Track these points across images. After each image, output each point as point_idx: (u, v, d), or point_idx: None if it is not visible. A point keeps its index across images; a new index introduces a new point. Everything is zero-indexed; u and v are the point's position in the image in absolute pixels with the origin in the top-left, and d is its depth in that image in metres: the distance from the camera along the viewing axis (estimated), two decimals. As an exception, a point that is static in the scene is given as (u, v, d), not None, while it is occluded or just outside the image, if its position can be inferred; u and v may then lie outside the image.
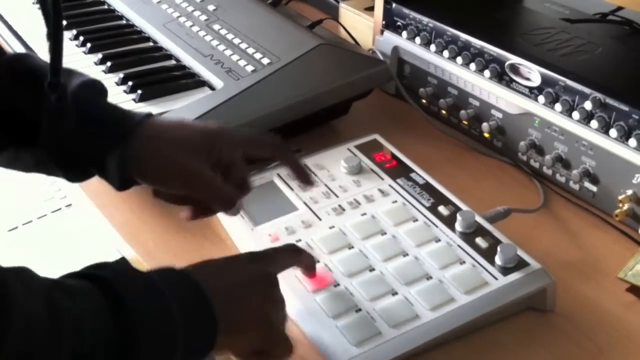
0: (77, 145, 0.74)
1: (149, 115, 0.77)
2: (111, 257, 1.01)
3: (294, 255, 0.73)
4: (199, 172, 0.74)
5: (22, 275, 0.53)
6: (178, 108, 0.98)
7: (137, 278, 0.59)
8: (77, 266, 1.02)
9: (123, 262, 0.61)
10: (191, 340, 0.58)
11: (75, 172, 0.77)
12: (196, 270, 0.63)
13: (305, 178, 0.80)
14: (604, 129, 0.89)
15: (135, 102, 1.01)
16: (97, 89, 0.78)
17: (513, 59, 0.98)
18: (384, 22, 1.16)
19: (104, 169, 0.75)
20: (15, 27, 1.19)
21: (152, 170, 0.75)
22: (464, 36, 1.04)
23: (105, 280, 0.56)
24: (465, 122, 1.07)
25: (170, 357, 0.57)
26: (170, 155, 0.74)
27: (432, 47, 1.08)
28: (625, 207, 0.88)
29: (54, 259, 1.05)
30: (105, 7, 1.30)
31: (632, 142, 0.86)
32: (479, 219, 0.82)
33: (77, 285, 0.56)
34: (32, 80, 0.74)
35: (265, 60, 1.04)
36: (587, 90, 0.90)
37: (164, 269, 0.62)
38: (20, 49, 1.12)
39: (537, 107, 0.96)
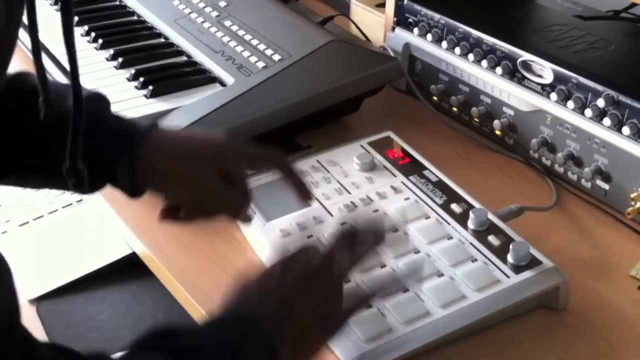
0: (87, 157, 0.73)
1: (155, 125, 0.78)
2: (121, 252, 1.01)
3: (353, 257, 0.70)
4: (205, 180, 0.76)
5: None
6: (189, 104, 0.98)
7: (217, 346, 0.60)
8: (87, 261, 1.02)
9: (184, 324, 0.62)
10: None
11: (86, 185, 0.77)
12: (271, 321, 0.62)
13: (305, 194, 0.80)
14: (617, 127, 0.88)
15: (147, 98, 1.01)
16: (101, 101, 0.79)
17: (525, 55, 0.98)
18: (395, 19, 1.16)
19: (116, 179, 0.76)
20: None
21: (160, 179, 0.77)
22: (475, 33, 1.03)
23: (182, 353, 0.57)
24: (477, 120, 1.07)
25: None
26: (179, 165, 0.76)
27: (444, 43, 1.08)
28: (638, 205, 0.87)
29: (65, 253, 1.05)
30: (117, 3, 1.30)
31: (645, 140, 0.86)
32: (491, 216, 0.82)
33: None
34: (36, 98, 0.74)
35: (276, 57, 1.04)
36: (599, 87, 0.89)
37: (242, 326, 0.62)
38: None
39: (549, 105, 0.96)
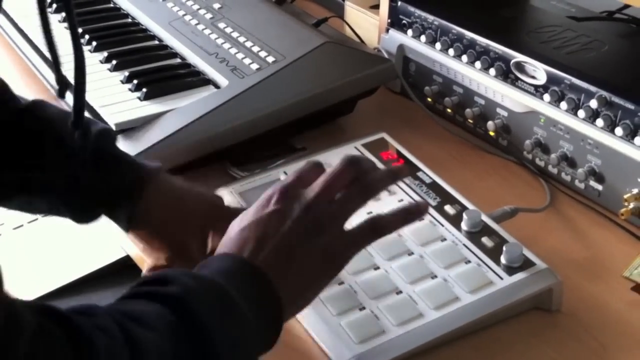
0: (91, 189, 0.75)
1: (159, 169, 0.77)
2: (116, 255, 1.01)
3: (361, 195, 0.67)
4: (190, 248, 0.76)
5: (88, 315, 0.52)
6: (183, 106, 0.98)
7: (208, 290, 0.57)
8: (82, 265, 1.02)
9: (181, 271, 0.60)
10: (265, 340, 0.60)
11: (86, 215, 0.78)
12: (264, 263, 0.61)
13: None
14: (610, 128, 0.88)
15: (140, 100, 1.01)
16: (111, 137, 0.79)
17: (519, 57, 0.98)
18: (389, 20, 1.16)
19: (113, 214, 0.77)
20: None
21: (150, 231, 0.77)
22: (469, 34, 1.03)
23: (175, 298, 0.55)
24: (471, 121, 1.07)
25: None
26: (173, 229, 0.76)
27: (438, 45, 1.08)
28: (631, 205, 0.87)
29: (60, 256, 1.05)
30: (111, 5, 1.30)
31: (638, 140, 0.86)
32: (485, 218, 0.82)
33: (147, 310, 0.54)
34: (52, 128, 0.75)
35: (270, 59, 1.04)
36: (592, 88, 0.89)
37: (235, 264, 0.60)
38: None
39: (543, 106, 0.96)
